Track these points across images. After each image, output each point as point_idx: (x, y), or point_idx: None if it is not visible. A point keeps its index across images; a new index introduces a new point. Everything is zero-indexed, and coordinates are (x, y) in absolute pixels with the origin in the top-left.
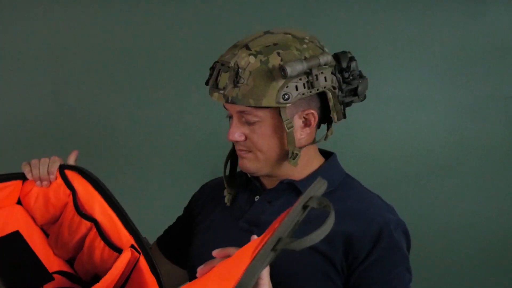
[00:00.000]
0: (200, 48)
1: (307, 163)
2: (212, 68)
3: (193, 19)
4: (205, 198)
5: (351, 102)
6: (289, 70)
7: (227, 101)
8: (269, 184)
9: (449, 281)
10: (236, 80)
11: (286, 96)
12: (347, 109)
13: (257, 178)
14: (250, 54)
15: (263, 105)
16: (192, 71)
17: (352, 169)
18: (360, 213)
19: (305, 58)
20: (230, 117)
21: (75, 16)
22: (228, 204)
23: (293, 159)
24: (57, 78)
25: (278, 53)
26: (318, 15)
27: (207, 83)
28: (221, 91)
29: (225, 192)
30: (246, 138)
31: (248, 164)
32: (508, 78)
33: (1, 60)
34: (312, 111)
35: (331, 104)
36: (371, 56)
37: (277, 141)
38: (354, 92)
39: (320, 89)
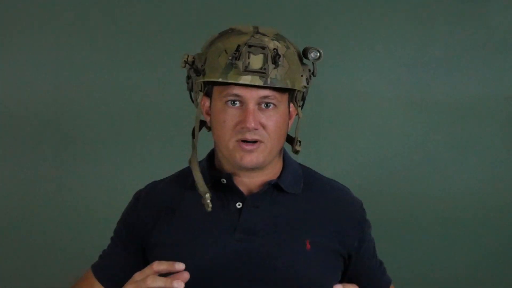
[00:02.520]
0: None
1: (280, 155)
2: (236, 53)
3: (190, 24)
4: (154, 208)
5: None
6: (321, 53)
7: (265, 83)
8: (247, 185)
9: (446, 280)
10: (277, 61)
11: (306, 81)
12: (345, 109)
13: (232, 182)
14: (272, 39)
15: (296, 87)
16: None
17: (350, 169)
18: (339, 201)
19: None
20: (235, 102)
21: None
22: (209, 209)
23: (299, 146)
24: (57, 75)
25: (289, 41)
26: (317, 14)
27: (194, 71)
28: (257, 73)
29: (207, 197)
30: (261, 126)
31: (256, 156)
32: (508, 77)
33: (2, 59)
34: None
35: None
36: (370, 55)
37: (285, 129)
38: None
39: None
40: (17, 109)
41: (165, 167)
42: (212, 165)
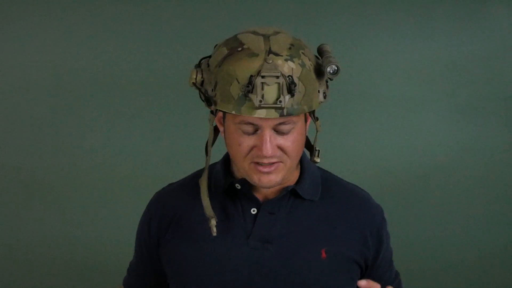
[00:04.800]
0: (198, 53)
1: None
2: (248, 85)
3: (190, 24)
4: (166, 214)
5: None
6: (339, 67)
7: (281, 115)
8: (262, 191)
9: (449, 283)
10: (292, 89)
11: (325, 94)
12: (346, 109)
13: (246, 188)
14: (286, 60)
15: (314, 108)
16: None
17: (350, 170)
18: (359, 209)
19: (324, 52)
20: (251, 132)
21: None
22: (214, 234)
23: (318, 156)
24: (56, 80)
25: (303, 53)
26: (318, 15)
27: (204, 99)
28: (272, 107)
29: (212, 223)
30: (279, 148)
31: (275, 177)
32: (508, 78)
33: (2, 62)
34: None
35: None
36: (371, 55)
37: (302, 141)
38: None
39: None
40: (21, 86)
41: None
42: (227, 169)
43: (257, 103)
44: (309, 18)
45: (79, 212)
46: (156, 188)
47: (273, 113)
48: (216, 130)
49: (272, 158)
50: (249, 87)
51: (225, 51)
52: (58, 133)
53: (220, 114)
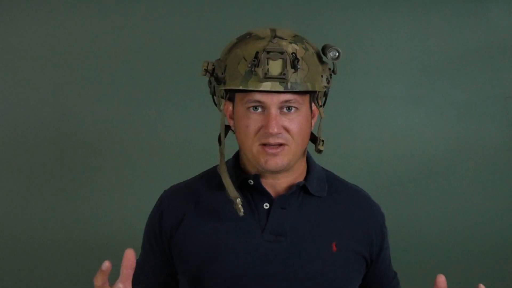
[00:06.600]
0: (198, 50)
1: (304, 156)
2: (255, 60)
3: (191, 21)
4: (179, 209)
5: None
6: (340, 52)
7: (285, 88)
8: (273, 187)
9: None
10: (296, 65)
11: (327, 80)
12: (345, 107)
13: (259, 183)
14: (290, 42)
15: (316, 88)
16: (192, 73)
17: (348, 169)
18: (363, 207)
19: (327, 45)
20: (257, 107)
21: (74, 19)
22: (241, 214)
23: (322, 145)
24: (56, 82)
25: (306, 42)
26: (317, 14)
27: (215, 80)
28: (277, 79)
29: (238, 201)
30: (284, 130)
31: (281, 160)
32: (508, 78)
33: (2, 63)
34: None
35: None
36: (370, 54)
37: (308, 129)
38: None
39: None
40: (19, 109)
41: (164, 174)
42: (238, 166)
43: (262, 75)
44: (307, 17)
45: (80, 211)
46: (165, 185)
47: (278, 86)
48: (226, 128)
49: (278, 138)
50: (255, 61)
51: (234, 40)
52: (58, 130)
53: (230, 108)
